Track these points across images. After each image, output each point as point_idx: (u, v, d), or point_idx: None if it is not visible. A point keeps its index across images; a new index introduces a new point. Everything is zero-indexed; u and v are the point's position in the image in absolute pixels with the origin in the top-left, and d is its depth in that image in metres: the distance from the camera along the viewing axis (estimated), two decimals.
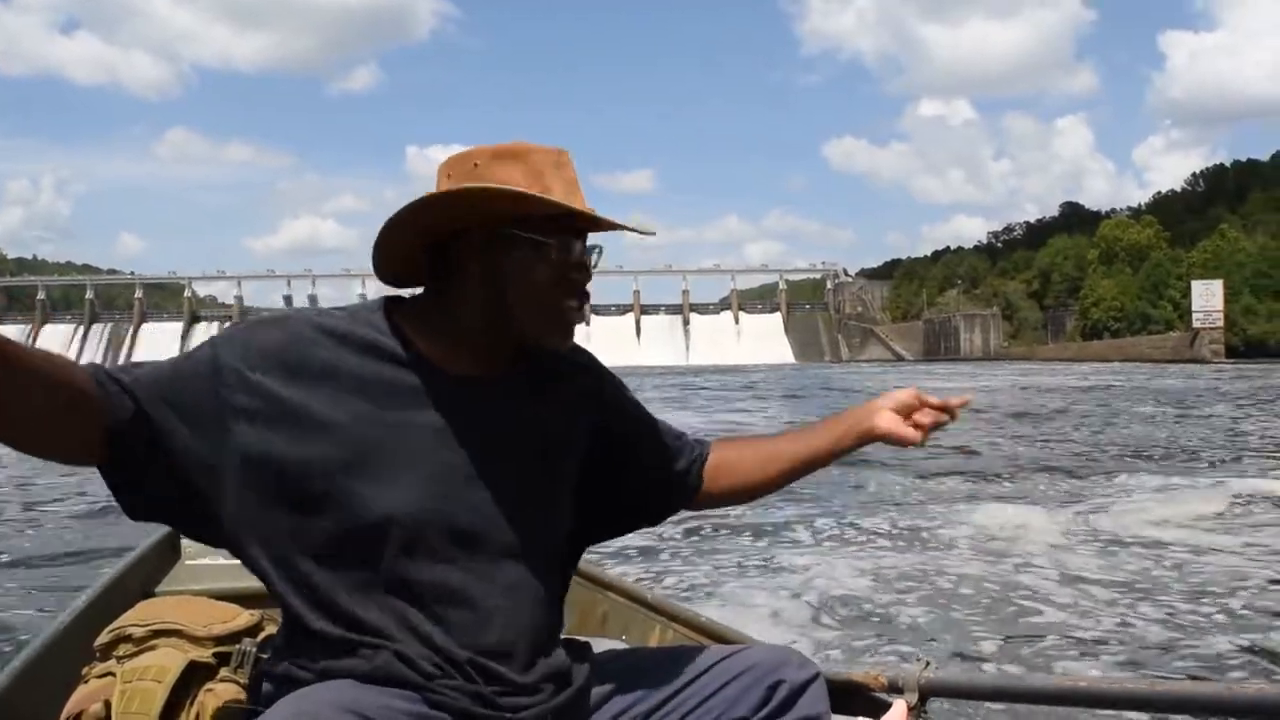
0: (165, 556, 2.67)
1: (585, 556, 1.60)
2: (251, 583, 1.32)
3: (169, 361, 1.28)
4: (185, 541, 2.71)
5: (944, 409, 1.51)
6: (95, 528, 8.41)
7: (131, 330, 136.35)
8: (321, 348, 1.25)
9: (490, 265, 1.29)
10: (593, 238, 1.35)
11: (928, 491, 9.24)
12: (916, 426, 1.50)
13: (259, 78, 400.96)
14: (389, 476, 1.23)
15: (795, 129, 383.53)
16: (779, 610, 5.11)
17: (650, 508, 1.56)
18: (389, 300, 1.36)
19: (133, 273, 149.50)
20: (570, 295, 1.32)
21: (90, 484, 13.11)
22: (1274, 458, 12.26)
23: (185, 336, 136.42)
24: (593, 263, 1.34)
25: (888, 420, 1.50)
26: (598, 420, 1.46)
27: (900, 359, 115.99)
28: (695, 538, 6.93)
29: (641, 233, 1.44)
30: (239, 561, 1.22)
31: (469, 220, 1.28)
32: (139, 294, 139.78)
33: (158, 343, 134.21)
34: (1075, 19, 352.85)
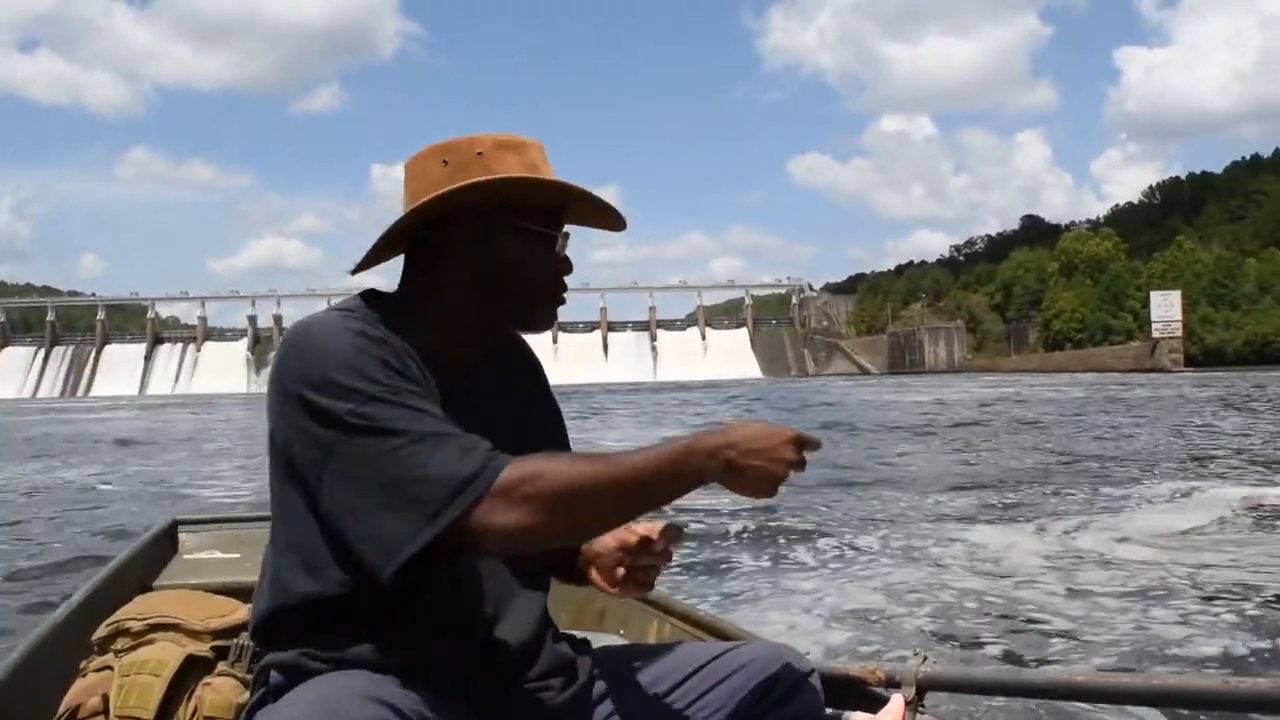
0: (163, 550, 2.67)
1: None
2: (249, 576, 1.31)
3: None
4: (183, 535, 2.72)
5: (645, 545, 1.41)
6: (92, 521, 8.30)
7: (94, 352, 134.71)
8: None
9: (492, 251, 1.32)
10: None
11: (922, 506, 9.15)
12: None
13: (221, 97, 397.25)
14: None
15: (758, 145, 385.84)
16: (778, 606, 5.15)
17: None
18: (365, 296, 1.35)
19: (94, 294, 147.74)
20: (563, 284, 1.38)
21: (88, 482, 12.75)
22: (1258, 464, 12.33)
23: (148, 358, 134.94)
24: (563, 246, 1.37)
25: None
26: (543, 407, 1.51)
27: (866, 372, 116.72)
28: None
29: (616, 226, 1.44)
30: (237, 555, 1.25)
31: (469, 206, 1.30)
32: (101, 315, 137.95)
33: (120, 365, 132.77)
34: (1032, 35, 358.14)
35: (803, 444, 1.21)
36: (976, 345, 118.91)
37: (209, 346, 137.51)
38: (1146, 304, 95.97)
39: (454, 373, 1.31)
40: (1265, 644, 4.30)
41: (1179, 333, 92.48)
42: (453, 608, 1.27)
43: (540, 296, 1.35)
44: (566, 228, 1.37)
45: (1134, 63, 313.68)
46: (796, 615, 5.02)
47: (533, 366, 1.51)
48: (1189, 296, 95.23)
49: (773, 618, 4.94)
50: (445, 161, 1.31)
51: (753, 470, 1.18)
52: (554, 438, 1.47)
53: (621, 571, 1.43)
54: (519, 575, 1.35)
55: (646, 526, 1.41)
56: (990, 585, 5.48)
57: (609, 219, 1.42)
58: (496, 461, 1.18)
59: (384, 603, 1.22)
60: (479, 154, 1.31)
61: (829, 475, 11.15)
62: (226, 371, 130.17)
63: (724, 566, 6.36)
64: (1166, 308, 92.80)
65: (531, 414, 1.45)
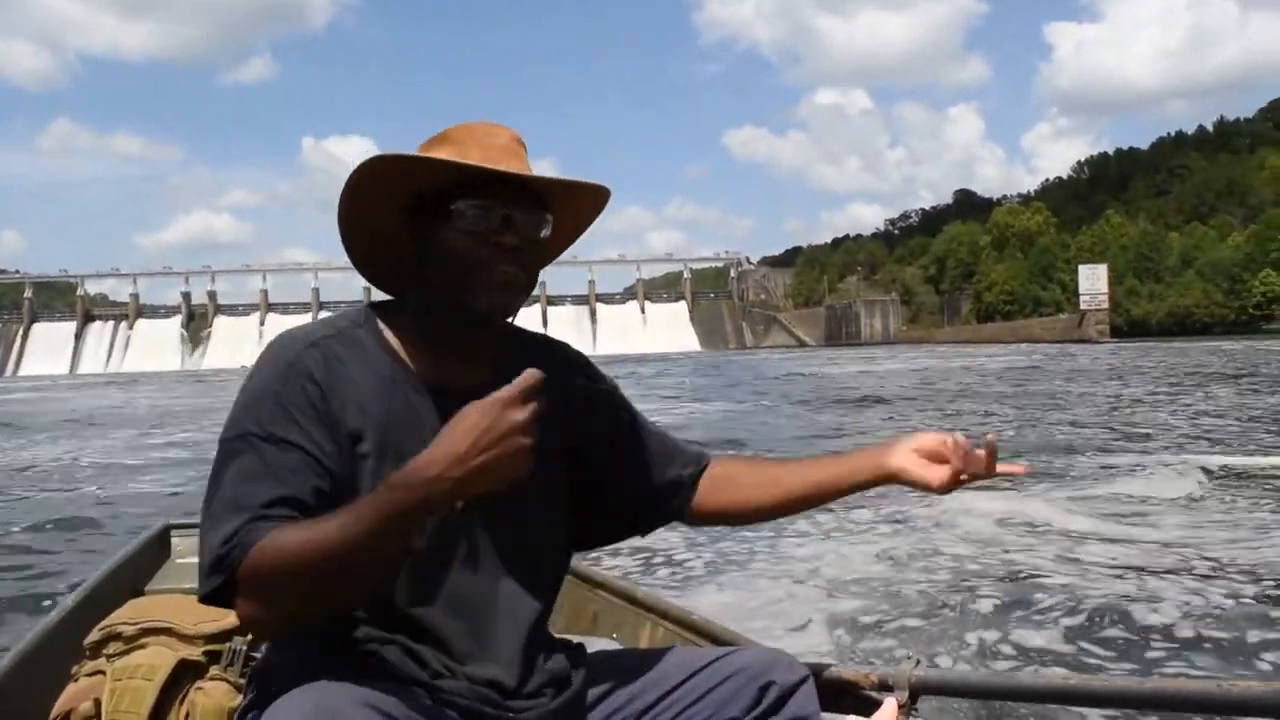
0: (155, 554, 2.66)
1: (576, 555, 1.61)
2: None
3: None
4: (175, 539, 2.72)
5: (976, 460, 1.38)
6: (84, 525, 8.25)
7: (22, 330, 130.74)
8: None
9: (431, 247, 1.29)
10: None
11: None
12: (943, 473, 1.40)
13: (148, 67, 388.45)
14: None
15: (695, 119, 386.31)
16: (771, 601, 5.12)
17: (640, 515, 1.52)
18: (373, 308, 1.35)
19: (19, 271, 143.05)
20: (491, 260, 1.27)
21: (84, 484, 12.71)
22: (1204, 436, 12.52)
23: (79, 336, 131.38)
24: (509, 218, 1.28)
25: (908, 460, 1.40)
26: (589, 423, 1.45)
27: (803, 344, 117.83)
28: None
29: (597, 201, 1.41)
30: None
31: (397, 209, 1.30)
32: (28, 293, 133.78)
33: (51, 343, 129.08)
34: (966, 10, 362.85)
35: (521, 397, 1.10)
36: (911, 317, 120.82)
37: (141, 324, 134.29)
38: (1075, 277, 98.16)
39: (441, 391, 1.29)
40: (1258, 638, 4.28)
41: (1105, 305, 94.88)
42: (449, 615, 1.27)
43: (470, 277, 1.27)
44: (520, 215, 1.29)
45: (1065, 38, 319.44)
46: (793, 587, 5.08)
47: (565, 383, 1.42)
48: (1115, 269, 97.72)
49: (765, 589, 5.03)
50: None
51: (492, 470, 1.08)
52: (556, 466, 1.39)
53: (947, 471, 1.39)
54: (520, 581, 1.34)
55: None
56: (983, 584, 5.44)
57: (586, 197, 1.38)
58: (233, 554, 1.14)
59: (378, 611, 1.23)
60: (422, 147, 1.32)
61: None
62: (160, 349, 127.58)
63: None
64: (1093, 281, 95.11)
65: (541, 445, 1.30)
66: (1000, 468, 1.39)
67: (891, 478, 1.42)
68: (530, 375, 1.10)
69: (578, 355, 1.51)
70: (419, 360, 1.31)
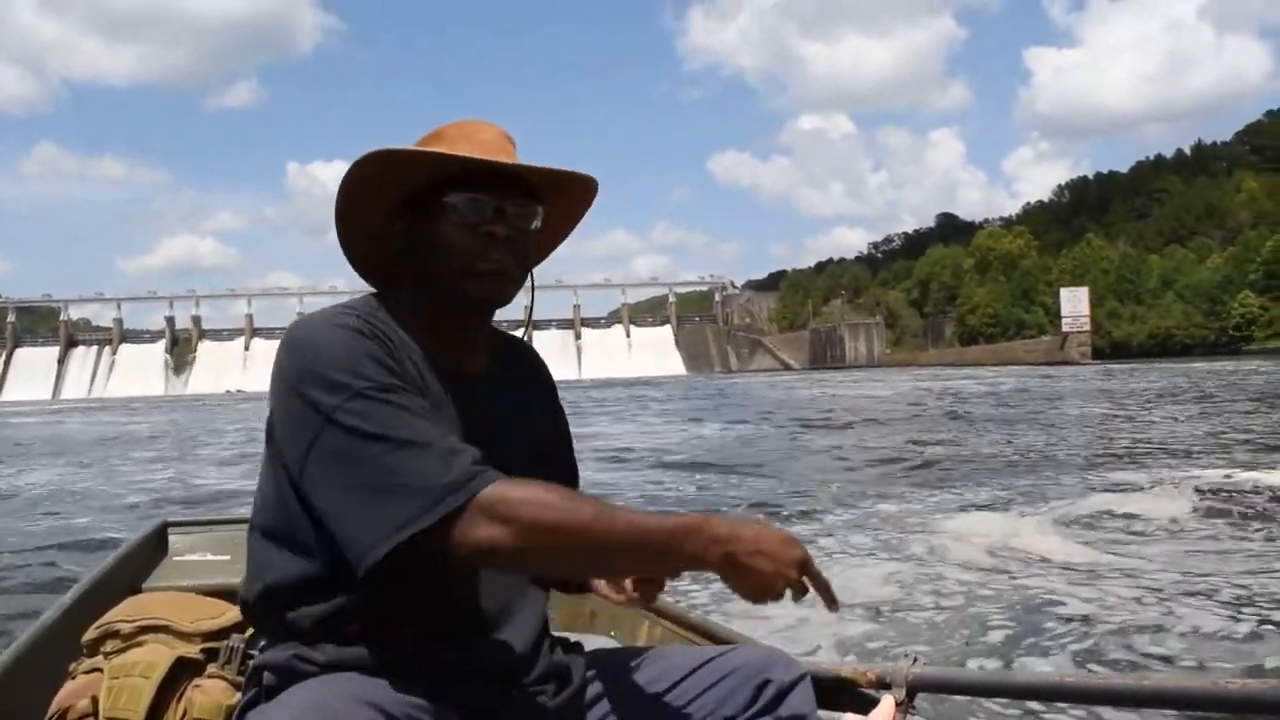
0: (153, 552, 2.65)
1: None
2: (239, 578, 1.32)
3: None
4: (173, 537, 2.72)
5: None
6: (81, 522, 8.26)
7: (4, 355, 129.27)
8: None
9: (423, 239, 1.32)
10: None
11: (896, 500, 9.21)
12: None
13: (133, 92, 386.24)
14: None
15: (681, 144, 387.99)
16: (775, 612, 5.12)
17: None
18: (374, 297, 1.36)
19: (3, 296, 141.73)
20: (484, 251, 1.30)
21: (80, 484, 12.57)
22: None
23: (62, 361, 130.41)
24: (505, 209, 1.31)
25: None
26: (550, 418, 1.51)
27: (788, 368, 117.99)
28: None
29: (585, 193, 1.43)
30: (227, 557, 1.21)
31: (411, 201, 1.32)
32: (11, 318, 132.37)
33: (34, 368, 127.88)
34: (947, 36, 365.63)
35: (807, 570, 1.21)
36: (895, 340, 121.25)
37: (125, 349, 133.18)
38: (1057, 299, 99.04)
39: (451, 376, 1.32)
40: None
41: (1087, 327, 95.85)
42: (449, 611, 1.27)
43: (464, 267, 1.30)
44: (511, 207, 1.32)
45: (1044, 64, 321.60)
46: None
47: (541, 379, 1.51)
48: (1096, 292, 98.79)
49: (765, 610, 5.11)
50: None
51: (754, 574, 1.17)
52: (553, 454, 1.46)
53: (630, 583, 1.41)
54: (522, 581, 1.35)
55: None
56: (981, 583, 5.50)
57: (576, 190, 1.41)
58: (484, 475, 1.15)
59: (379, 607, 1.23)
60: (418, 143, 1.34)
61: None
62: (144, 374, 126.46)
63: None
64: (1075, 303, 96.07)
65: (532, 427, 1.43)
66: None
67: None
68: (828, 590, 1.23)
69: (535, 351, 1.55)
70: (424, 346, 1.33)
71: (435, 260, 1.31)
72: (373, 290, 1.38)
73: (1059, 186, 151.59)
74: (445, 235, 1.30)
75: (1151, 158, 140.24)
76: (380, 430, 1.15)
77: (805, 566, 1.20)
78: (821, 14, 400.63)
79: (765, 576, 1.17)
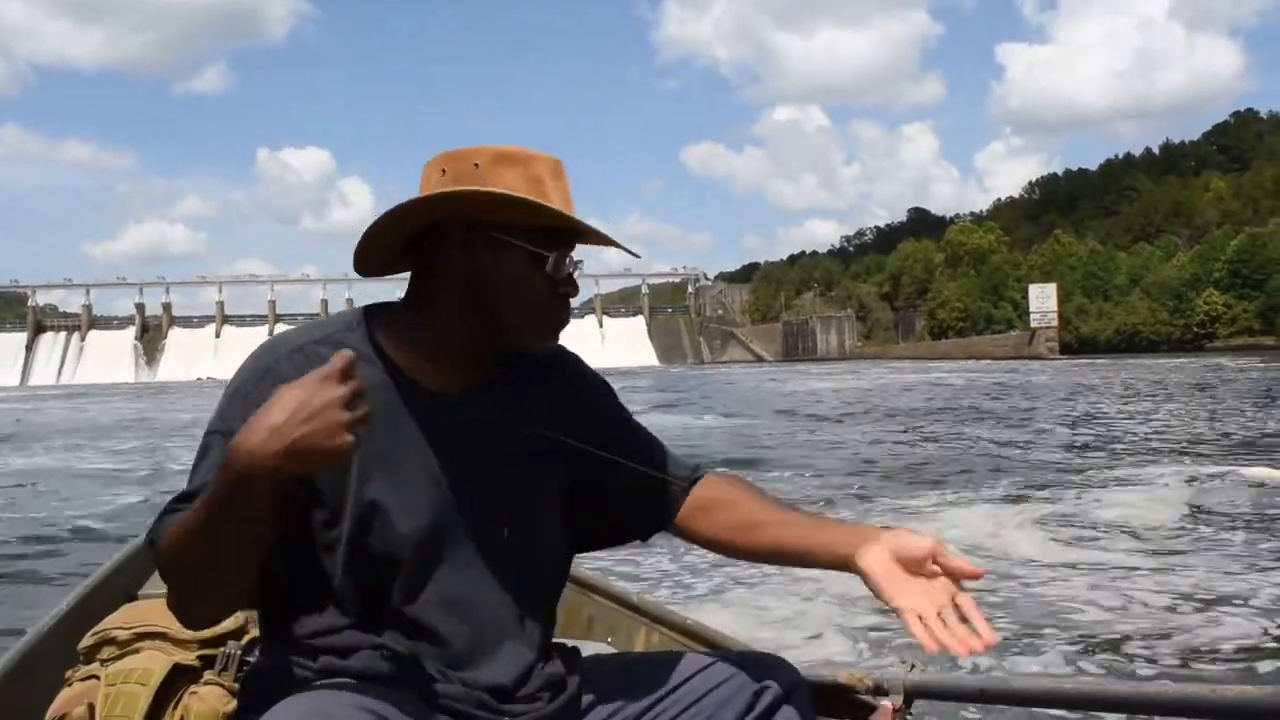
0: (149, 559, 2.52)
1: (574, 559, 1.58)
2: None
3: None
4: None
5: (955, 575, 1.26)
6: (77, 530, 8.22)
7: None
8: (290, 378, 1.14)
9: (476, 267, 1.27)
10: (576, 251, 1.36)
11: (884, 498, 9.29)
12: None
13: (101, 75, 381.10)
14: (389, 490, 1.25)
15: (655, 134, 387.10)
16: (765, 609, 5.16)
17: (630, 520, 1.49)
18: (367, 311, 1.35)
19: None
20: (564, 306, 1.32)
21: (78, 486, 12.53)
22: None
23: (30, 347, 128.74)
24: (574, 272, 1.31)
25: (879, 565, 1.26)
26: (584, 421, 1.43)
27: (760, 360, 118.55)
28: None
29: (630, 253, 1.46)
30: None
31: (457, 218, 1.27)
32: None
33: (1, 354, 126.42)
34: (922, 29, 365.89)
35: (340, 373, 1.07)
36: (866, 333, 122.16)
37: (94, 335, 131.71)
38: (1026, 295, 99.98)
39: (429, 400, 1.29)
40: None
41: (1055, 322, 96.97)
42: (446, 618, 1.27)
43: (527, 318, 1.29)
44: (577, 253, 1.32)
45: (1016, 60, 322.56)
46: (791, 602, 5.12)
47: (574, 395, 1.44)
48: (1065, 288, 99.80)
49: (764, 602, 5.08)
50: (444, 170, 1.28)
51: (306, 438, 1.05)
52: (555, 466, 1.40)
53: (922, 600, 1.24)
54: (520, 584, 1.34)
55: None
56: (976, 586, 5.73)
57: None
58: (164, 523, 1.19)
59: (373, 615, 1.24)
60: (475, 165, 1.26)
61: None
62: (113, 361, 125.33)
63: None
64: (1043, 299, 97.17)
65: (536, 446, 1.37)
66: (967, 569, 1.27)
67: (855, 572, 1.28)
68: (344, 355, 1.07)
69: (570, 353, 1.49)
70: (416, 365, 1.30)
71: (505, 302, 1.28)
72: (364, 283, 1.41)
73: (1029, 183, 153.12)
74: (524, 283, 1.27)
75: (1121, 156, 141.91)
76: (193, 465, 1.25)
77: (332, 376, 1.06)
78: (797, 5, 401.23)
79: (320, 435, 1.05)
